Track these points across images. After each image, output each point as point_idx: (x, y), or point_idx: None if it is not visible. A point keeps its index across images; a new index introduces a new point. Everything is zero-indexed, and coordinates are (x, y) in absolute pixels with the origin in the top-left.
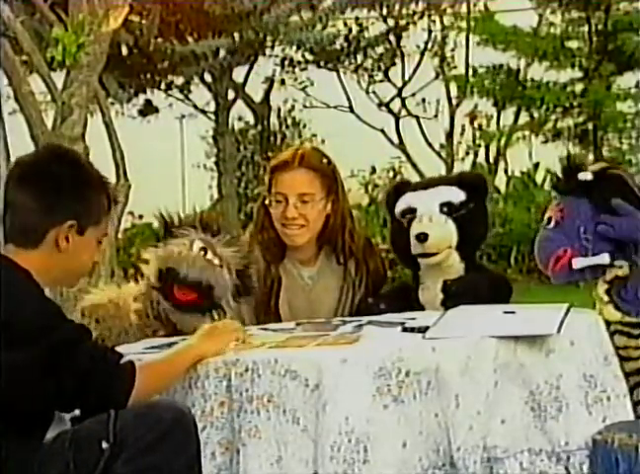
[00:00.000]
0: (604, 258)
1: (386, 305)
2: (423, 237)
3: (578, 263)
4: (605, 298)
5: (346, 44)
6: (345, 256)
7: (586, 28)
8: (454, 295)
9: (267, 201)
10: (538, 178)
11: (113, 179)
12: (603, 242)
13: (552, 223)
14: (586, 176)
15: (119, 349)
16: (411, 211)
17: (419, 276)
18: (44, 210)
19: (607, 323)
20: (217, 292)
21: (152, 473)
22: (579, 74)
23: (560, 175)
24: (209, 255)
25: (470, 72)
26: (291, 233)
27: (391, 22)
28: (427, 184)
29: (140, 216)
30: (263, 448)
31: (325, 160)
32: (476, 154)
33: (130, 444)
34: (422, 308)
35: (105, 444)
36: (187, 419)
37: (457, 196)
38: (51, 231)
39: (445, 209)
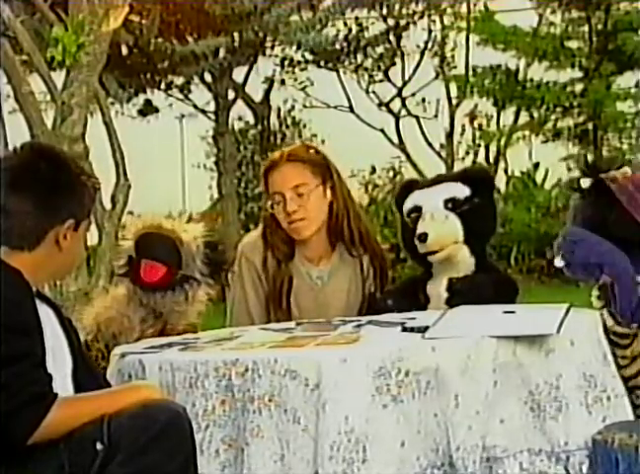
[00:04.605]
0: (559, 262)
1: (394, 301)
2: (423, 237)
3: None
4: (596, 303)
5: (346, 44)
6: (355, 245)
7: (586, 28)
8: (459, 293)
9: (268, 205)
10: (538, 178)
11: (113, 179)
12: None
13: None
14: (584, 183)
15: (120, 348)
16: (417, 210)
17: (432, 273)
18: (43, 212)
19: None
20: (185, 260)
21: None
22: (579, 74)
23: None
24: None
25: (470, 72)
26: (296, 226)
27: (391, 22)
28: (432, 181)
29: (140, 216)
30: (266, 447)
31: (312, 151)
32: (476, 154)
33: (125, 446)
34: (428, 300)
35: (99, 446)
36: (181, 419)
37: (462, 191)
38: (51, 232)
39: (450, 205)
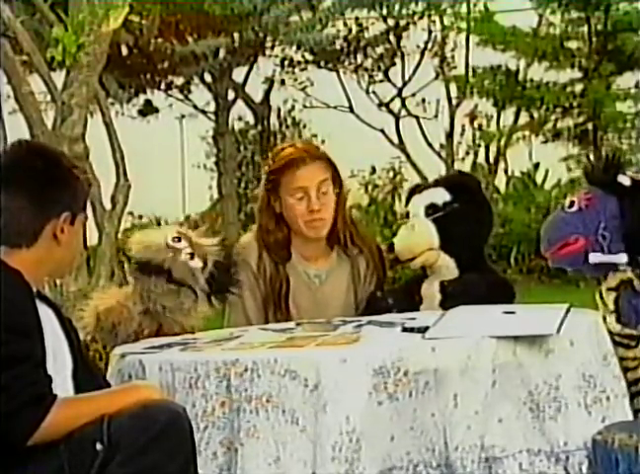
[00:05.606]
0: (622, 258)
1: (395, 301)
2: (389, 248)
3: (594, 258)
4: (612, 307)
5: (346, 44)
6: (348, 245)
7: (585, 28)
8: (451, 296)
9: (274, 202)
10: (538, 178)
11: (113, 179)
12: (620, 243)
13: (574, 207)
14: (624, 180)
15: (120, 348)
16: (407, 216)
17: (427, 274)
18: (38, 208)
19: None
20: (176, 274)
21: None
22: (579, 74)
23: (598, 165)
24: (182, 243)
25: (470, 72)
26: (315, 225)
27: (391, 22)
28: (423, 187)
29: (140, 216)
30: (261, 448)
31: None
32: (476, 154)
33: (125, 446)
34: (422, 301)
35: (99, 446)
36: (181, 420)
37: (442, 197)
38: (47, 226)
39: (430, 211)
